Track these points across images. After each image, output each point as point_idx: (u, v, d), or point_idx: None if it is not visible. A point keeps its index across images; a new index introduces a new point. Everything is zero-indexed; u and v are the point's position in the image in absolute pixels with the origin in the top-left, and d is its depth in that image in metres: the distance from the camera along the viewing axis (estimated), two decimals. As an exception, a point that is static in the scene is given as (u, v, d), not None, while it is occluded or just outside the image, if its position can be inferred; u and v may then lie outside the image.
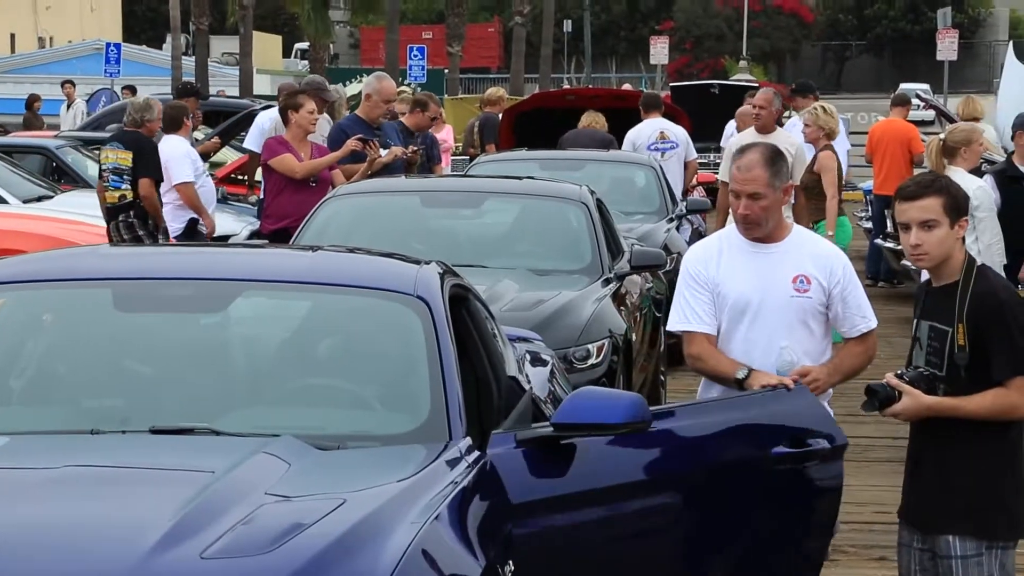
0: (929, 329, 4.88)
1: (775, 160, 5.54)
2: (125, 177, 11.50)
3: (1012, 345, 4.73)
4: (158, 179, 11.61)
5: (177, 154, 11.94)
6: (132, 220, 11.51)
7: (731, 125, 15.77)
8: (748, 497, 5.07)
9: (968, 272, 4.83)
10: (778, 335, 5.44)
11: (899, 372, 4.87)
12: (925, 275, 5.17)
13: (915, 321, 5.01)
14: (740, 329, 5.48)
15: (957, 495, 4.83)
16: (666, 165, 14.28)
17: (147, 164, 11.51)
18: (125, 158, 11.52)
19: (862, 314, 5.56)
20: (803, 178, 11.09)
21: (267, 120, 13.26)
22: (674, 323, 5.55)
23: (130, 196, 11.47)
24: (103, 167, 11.74)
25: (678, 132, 14.96)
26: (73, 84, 28.96)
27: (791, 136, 11.54)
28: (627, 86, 33.92)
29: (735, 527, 5.06)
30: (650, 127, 14.86)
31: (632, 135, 14.84)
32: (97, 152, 18.29)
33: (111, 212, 11.56)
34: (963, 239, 4.94)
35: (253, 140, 14.27)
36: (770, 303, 5.47)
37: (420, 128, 12.60)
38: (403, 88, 20.05)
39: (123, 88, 28.90)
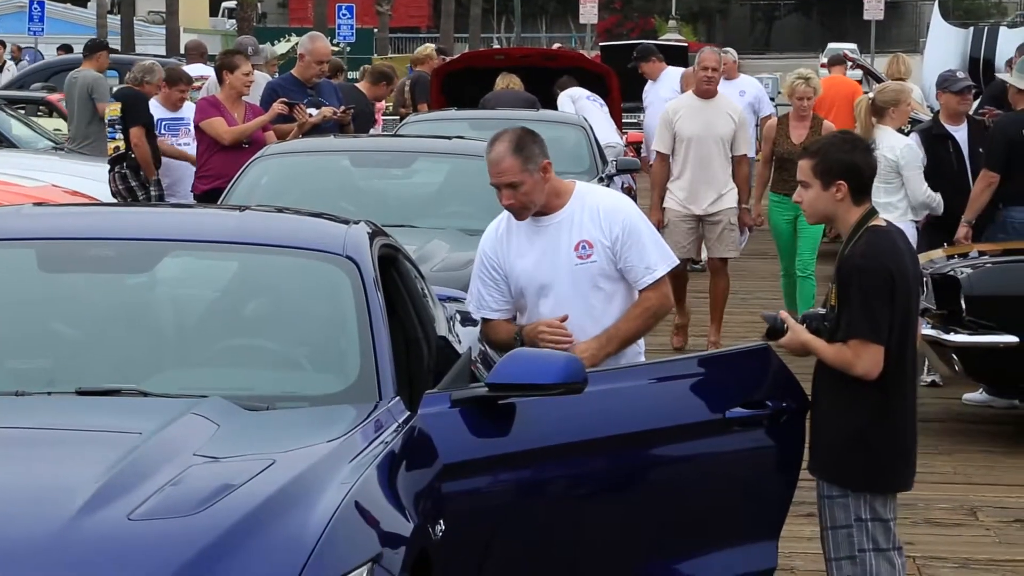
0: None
1: (523, 145, 5.43)
2: (117, 127, 11.86)
3: (852, 310, 4.99)
4: (149, 127, 11.86)
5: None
6: (125, 171, 11.85)
7: (652, 86, 15.59)
8: (700, 460, 5.03)
9: (852, 234, 5.10)
10: (575, 305, 5.42)
11: (803, 313, 5.22)
12: None
13: None
14: (541, 306, 5.47)
15: (827, 440, 5.09)
16: (600, 115, 14.37)
17: (137, 114, 11.79)
18: (115, 109, 11.91)
19: (645, 264, 5.47)
20: (785, 146, 10.78)
21: (208, 84, 13.12)
22: (471, 308, 5.66)
23: (123, 147, 11.82)
24: (106, 120, 12.27)
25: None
26: (3, 44, 28.48)
27: (733, 103, 11.24)
28: (557, 45, 33.85)
29: (684, 491, 5.01)
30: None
31: (570, 92, 14.84)
32: (22, 111, 18.09)
33: (110, 163, 11.98)
34: (854, 199, 5.08)
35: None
36: (560, 276, 5.45)
37: (377, 98, 12.66)
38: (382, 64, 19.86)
39: (58, 48, 28.48)
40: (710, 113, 10.67)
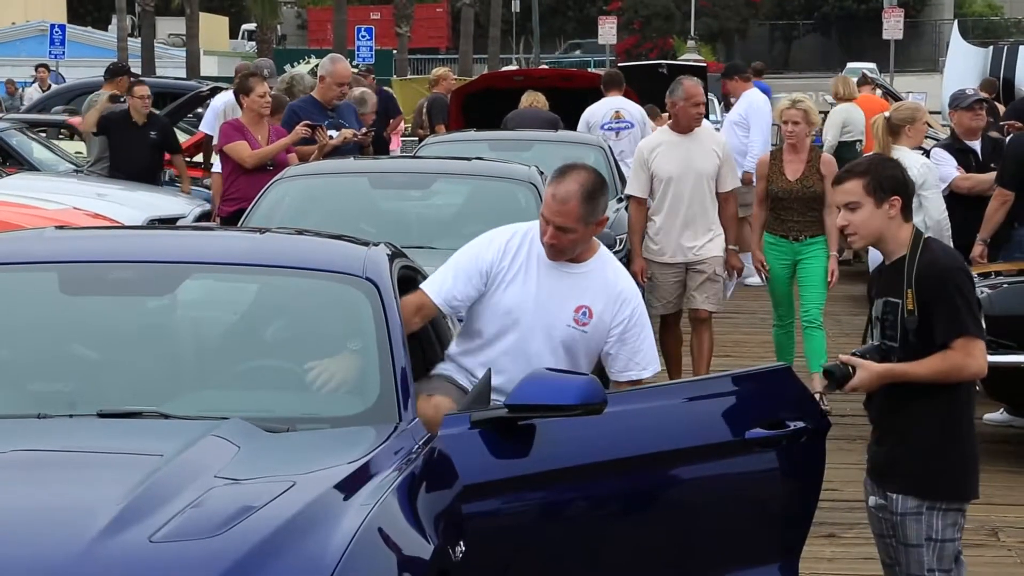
0: (884, 305, 5.07)
1: (594, 195, 5.26)
2: None
3: (953, 308, 4.92)
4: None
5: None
6: None
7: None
8: (719, 480, 5.01)
9: (915, 244, 5.02)
10: (540, 357, 5.21)
11: (854, 352, 5.05)
12: (877, 257, 5.29)
13: (871, 303, 5.19)
14: (506, 338, 5.28)
15: (905, 454, 5.02)
16: (620, 145, 14.22)
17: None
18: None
19: (638, 360, 5.37)
20: (779, 184, 9.58)
21: (221, 103, 13.20)
22: (425, 283, 5.35)
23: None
24: None
25: (634, 112, 14.67)
26: (48, 68, 28.45)
27: (716, 135, 10.14)
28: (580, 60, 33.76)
29: (703, 512, 4.98)
30: (606, 106, 14.70)
31: (587, 114, 14.75)
32: (43, 134, 18.17)
33: None
34: (904, 216, 5.04)
35: (208, 123, 14.24)
36: (541, 325, 5.29)
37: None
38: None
39: (37, 67, 28.04)
40: (690, 148, 9.46)
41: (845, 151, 14.88)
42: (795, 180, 9.58)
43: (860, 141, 15.48)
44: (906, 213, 5.06)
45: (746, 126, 14.39)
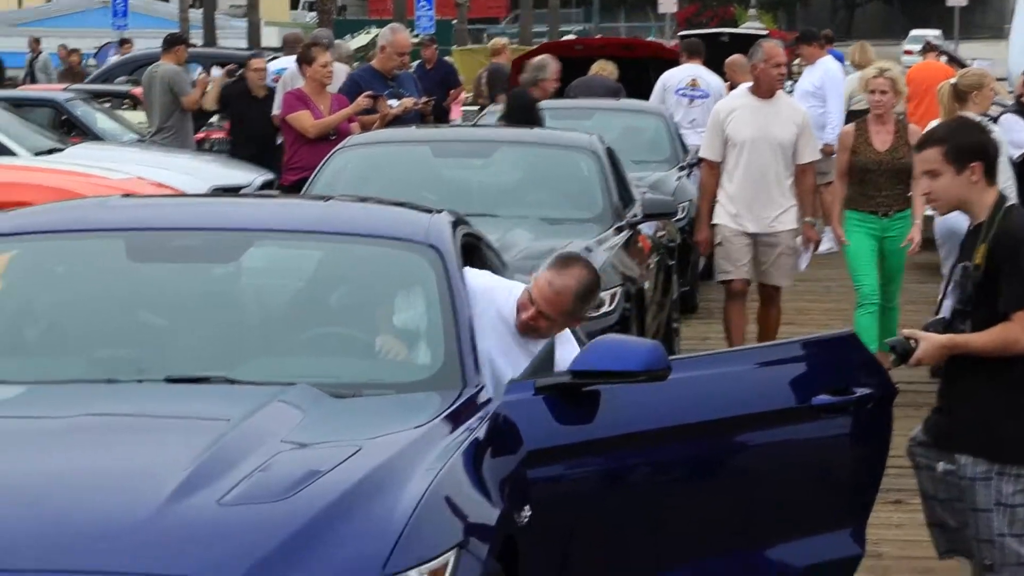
0: (961, 269, 5.05)
1: (588, 296, 5.11)
2: None
3: (1019, 279, 4.89)
4: None
5: None
6: None
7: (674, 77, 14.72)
8: (784, 447, 4.99)
9: (996, 209, 5.00)
10: None
11: (927, 323, 5.05)
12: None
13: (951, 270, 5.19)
14: None
15: (974, 419, 5.00)
16: (693, 113, 14.14)
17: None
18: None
19: None
20: (867, 155, 9.23)
21: (286, 76, 13.22)
22: None
23: None
24: None
25: (712, 83, 14.49)
26: (130, 43, 28.49)
27: (796, 104, 9.91)
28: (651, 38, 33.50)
29: (768, 478, 4.96)
30: (684, 71, 14.56)
31: (665, 77, 14.62)
32: (107, 104, 18.31)
33: None
34: (987, 180, 5.00)
35: (277, 105, 14.20)
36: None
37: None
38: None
39: (120, 42, 28.31)
40: (769, 115, 9.28)
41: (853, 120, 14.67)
42: (884, 151, 9.29)
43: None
44: (989, 178, 5.02)
45: (820, 96, 14.03)
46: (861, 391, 5.07)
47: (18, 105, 15.90)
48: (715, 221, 9.41)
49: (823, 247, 11.00)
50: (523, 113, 11.15)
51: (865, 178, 9.31)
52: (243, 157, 13.78)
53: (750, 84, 9.51)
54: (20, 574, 3.56)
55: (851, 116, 14.82)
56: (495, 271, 5.54)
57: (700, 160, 9.71)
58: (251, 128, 13.95)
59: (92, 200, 5.81)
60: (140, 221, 5.26)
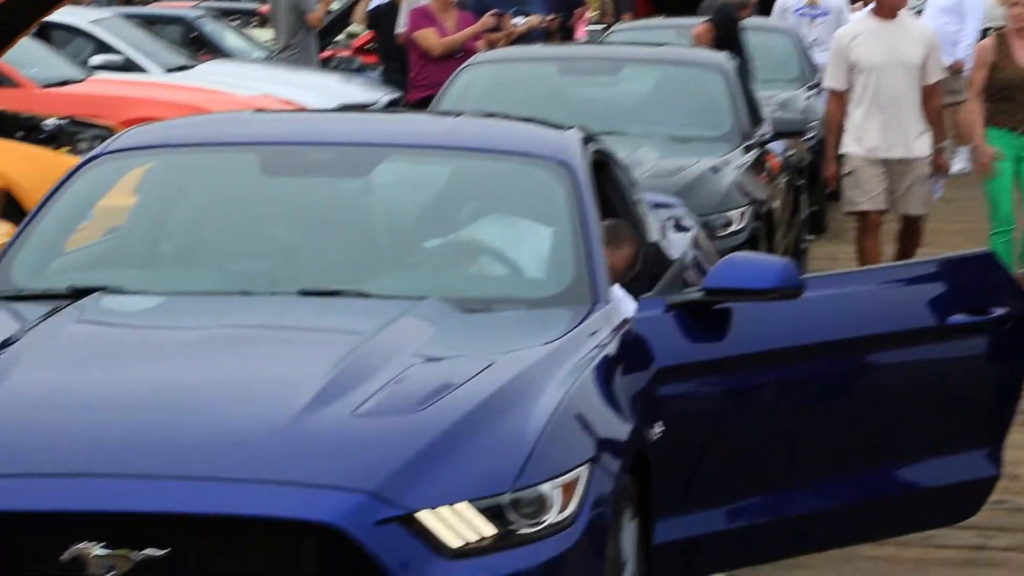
0: None
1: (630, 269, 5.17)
2: None
3: None
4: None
5: None
6: None
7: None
8: (919, 367, 4.93)
9: None
10: None
11: None
12: None
13: None
14: None
15: None
16: (814, 32, 13.91)
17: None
18: None
19: None
20: (1009, 71, 9.05)
21: None
22: None
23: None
24: None
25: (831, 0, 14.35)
26: None
27: (920, 22, 9.69)
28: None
29: (902, 398, 4.91)
30: None
31: None
32: (236, 22, 18.43)
33: None
34: None
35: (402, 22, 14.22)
36: None
37: None
38: None
39: None
40: (895, 36, 8.98)
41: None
42: None
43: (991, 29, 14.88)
44: None
45: (955, 11, 13.71)
46: (998, 311, 4.99)
47: (150, 23, 16.06)
48: (843, 150, 9.17)
49: (955, 168, 10.78)
50: (727, 30, 11.09)
51: (1006, 94, 9.06)
52: (393, 81, 13.76)
53: (872, 5, 9.27)
54: (158, 479, 3.62)
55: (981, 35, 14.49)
56: (623, 189, 5.51)
57: (823, 90, 9.51)
58: (400, 48, 13.90)
59: (226, 115, 5.86)
60: (273, 136, 5.29)
